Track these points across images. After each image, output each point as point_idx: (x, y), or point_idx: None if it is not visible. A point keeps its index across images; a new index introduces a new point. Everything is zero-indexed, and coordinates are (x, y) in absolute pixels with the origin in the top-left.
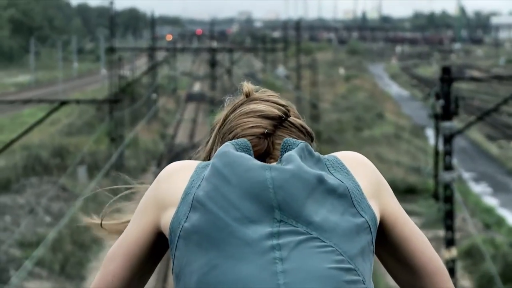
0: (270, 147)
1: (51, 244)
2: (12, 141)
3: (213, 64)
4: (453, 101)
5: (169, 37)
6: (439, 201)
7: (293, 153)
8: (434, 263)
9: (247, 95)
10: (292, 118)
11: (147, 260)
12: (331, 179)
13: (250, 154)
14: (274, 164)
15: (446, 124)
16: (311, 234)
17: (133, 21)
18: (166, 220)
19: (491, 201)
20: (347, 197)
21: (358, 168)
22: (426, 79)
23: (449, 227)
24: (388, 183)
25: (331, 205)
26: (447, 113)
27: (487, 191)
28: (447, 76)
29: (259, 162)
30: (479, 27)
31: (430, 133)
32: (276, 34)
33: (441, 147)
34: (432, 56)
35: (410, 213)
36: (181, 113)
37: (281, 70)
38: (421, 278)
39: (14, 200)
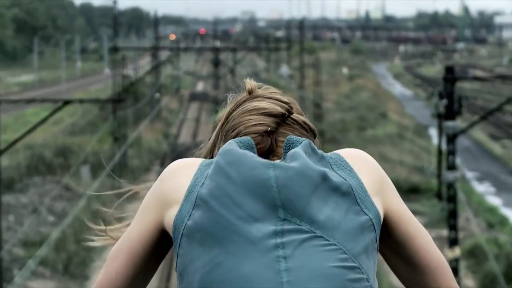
0: (273, 144)
1: (54, 243)
2: (16, 141)
3: (216, 63)
4: (457, 101)
5: (172, 37)
6: (442, 200)
7: (298, 150)
8: (438, 261)
9: (250, 92)
10: (295, 115)
11: (150, 258)
12: (334, 177)
13: (253, 152)
14: (278, 161)
15: (450, 124)
16: (315, 233)
17: (137, 20)
18: (169, 217)
19: (494, 200)
20: (350, 195)
21: (361, 165)
22: (430, 78)
23: (453, 227)
24: (392, 182)
25: (335, 203)
26: (450, 113)
27: (491, 190)
28: (451, 75)
29: (262, 160)
30: (482, 26)
31: (433, 132)
32: (280, 33)
33: (444, 146)
34: (435, 56)
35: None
36: (184, 112)
37: (284, 70)
38: (425, 276)
39: (18, 199)
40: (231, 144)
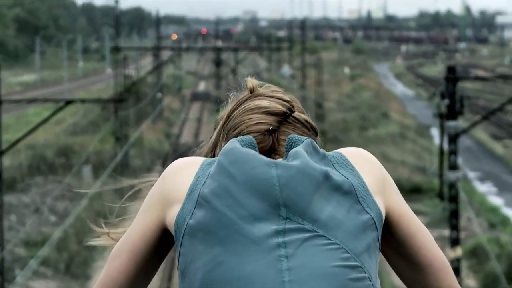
0: (275, 143)
1: (56, 243)
2: (18, 141)
3: (218, 63)
4: (458, 101)
5: (174, 36)
6: (444, 200)
7: (299, 149)
8: (439, 260)
9: (251, 91)
10: (296, 114)
11: (152, 257)
12: (336, 176)
13: (255, 151)
14: (280, 160)
15: (451, 124)
16: (317, 232)
17: (138, 20)
18: (171, 216)
19: (496, 200)
20: (352, 193)
21: (363, 164)
22: (431, 78)
23: (454, 227)
24: (393, 181)
25: (337, 202)
26: (452, 113)
27: (492, 190)
28: (452, 75)
29: (265, 159)
30: (484, 26)
31: (435, 132)
32: (281, 33)
33: (446, 146)
34: (437, 56)
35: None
36: (186, 112)
37: (286, 70)
38: (426, 275)
39: (20, 199)
40: (234, 143)
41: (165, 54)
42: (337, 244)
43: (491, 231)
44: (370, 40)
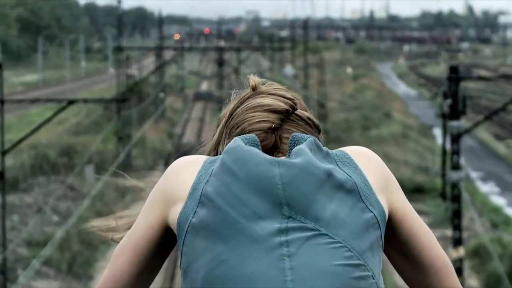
0: (277, 141)
1: (58, 243)
2: (20, 140)
3: (220, 63)
4: (461, 101)
5: (177, 36)
6: (446, 200)
7: (303, 147)
8: (441, 260)
9: (254, 88)
10: (299, 111)
11: (155, 256)
12: (339, 174)
13: (258, 149)
14: (283, 158)
15: (454, 124)
16: (319, 231)
17: (141, 20)
18: (174, 215)
19: (498, 200)
20: (355, 191)
21: (367, 163)
22: (434, 78)
23: (457, 227)
24: (397, 180)
25: (340, 200)
26: (454, 113)
27: (495, 190)
28: (455, 75)
29: (268, 157)
30: (487, 26)
31: (437, 132)
32: (284, 33)
33: (448, 146)
34: (439, 55)
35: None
36: (189, 112)
37: (288, 69)
38: (428, 275)
39: (22, 199)
40: (237, 141)
41: (168, 54)
42: (340, 242)
43: (493, 231)
44: (372, 40)
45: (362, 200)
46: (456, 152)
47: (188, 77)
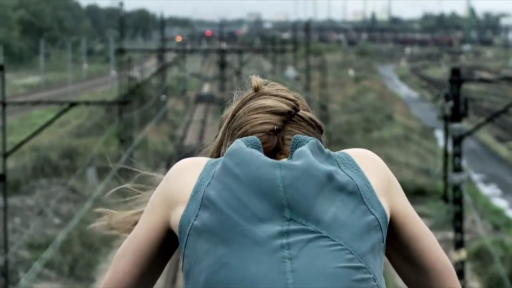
0: (280, 143)
1: (60, 245)
2: (22, 143)
3: (222, 65)
4: (463, 103)
5: (179, 39)
6: (448, 202)
7: (304, 149)
8: (442, 263)
9: (256, 89)
10: (301, 112)
11: (157, 258)
12: (341, 176)
13: (260, 152)
14: (284, 160)
15: (456, 126)
16: (321, 233)
17: (143, 22)
18: (175, 217)
19: (500, 202)
20: (356, 194)
21: (369, 165)
22: (436, 80)
23: (458, 229)
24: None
25: (341, 203)
26: (456, 115)
27: (496, 192)
28: (457, 77)
29: (269, 160)
30: (488, 28)
31: (439, 134)
32: (286, 35)
33: (450, 148)
34: (441, 58)
35: (419, 214)
36: (190, 114)
37: (290, 72)
38: (429, 278)
39: (24, 201)
40: (239, 143)
41: (170, 56)
42: (341, 245)
43: (495, 233)
44: (374, 42)
45: (364, 203)
46: (458, 155)
47: (190, 79)
